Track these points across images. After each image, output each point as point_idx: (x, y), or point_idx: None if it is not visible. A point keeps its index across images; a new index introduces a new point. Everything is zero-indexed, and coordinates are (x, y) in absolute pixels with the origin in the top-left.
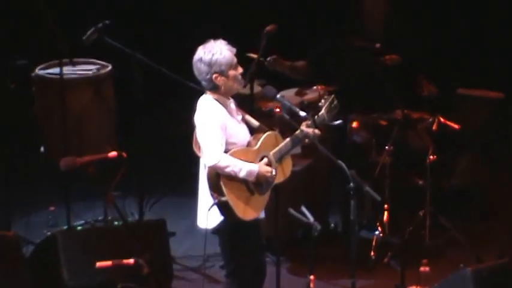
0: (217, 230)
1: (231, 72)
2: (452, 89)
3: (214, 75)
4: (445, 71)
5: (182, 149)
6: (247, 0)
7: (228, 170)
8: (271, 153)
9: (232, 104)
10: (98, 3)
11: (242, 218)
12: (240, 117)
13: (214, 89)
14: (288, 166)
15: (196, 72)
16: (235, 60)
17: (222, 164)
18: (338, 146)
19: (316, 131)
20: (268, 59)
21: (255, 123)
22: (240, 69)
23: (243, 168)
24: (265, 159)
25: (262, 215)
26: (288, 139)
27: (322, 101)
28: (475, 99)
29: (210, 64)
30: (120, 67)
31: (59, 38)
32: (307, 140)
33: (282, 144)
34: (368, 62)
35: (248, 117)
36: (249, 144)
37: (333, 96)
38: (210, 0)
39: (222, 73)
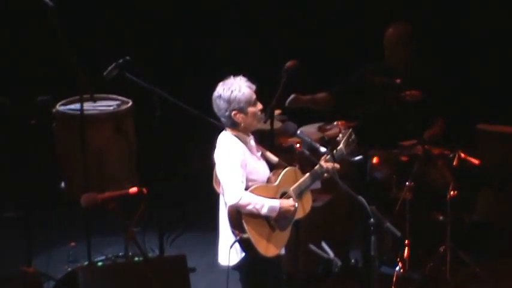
0: (238, 267)
1: (250, 109)
2: (473, 125)
3: (233, 112)
4: (465, 106)
5: (202, 184)
6: (269, 36)
7: (249, 207)
8: (291, 188)
9: (252, 141)
10: (118, 39)
11: (264, 254)
12: (259, 153)
13: (234, 125)
14: (308, 201)
15: (215, 109)
16: (254, 96)
17: (243, 202)
18: (358, 181)
19: (336, 165)
20: (288, 100)
21: (274, 159)
22: (260, 106)
23: (264, 204)
24: (286, 196)
25: (282, 251)
26: (307, 174)
27: (340, 135)
28: (495, 135)
29: (229, 101)
30: (141, 102)
31: (81, 74)
32: (326, 175)
33: (301, 180)
34: (388, 98)
35: (268, 154)
36: (268, 181)
37: (350, 130)
38: (230, 37)
39: (241, 110)
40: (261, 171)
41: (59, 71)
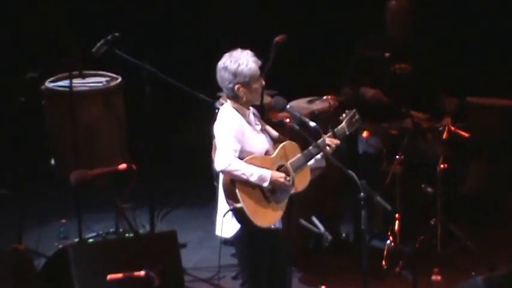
0: (234, 238)
1: (254, 85)
2: (462, 97)
3: (236, 86)
4: (455, 79)
5: (193, 160)
6: (258, 10)
7: (238, 173)
8: (289, 162)
9: (251, 114)
10: (107, 16)
11: (258, 224)
12: (259, 127)
13: (235, 98)
14: (306, 176)
15: (219, 79)
16: (259, 73)
17: (232, 168)
18: (349, 156)
19: (337, 141)
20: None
21: (274, 133)
22: (263, 82)
23: (254, 173)
24: (283, 169)
25: (279, 225)
26: (306, 150)
27: (344, 114)
28: (485, 107)
29: (234, 74)
30: (130, 79)
31: (73, 50)
32: (328, 150)
33: (300, 154)
34: (378, 71)
35: (268, 128)
36: (267, 153)
37: (354, 110)
38: (219, 11)
39: (244, 84)
40: (259, 144)
41: (48, 48)
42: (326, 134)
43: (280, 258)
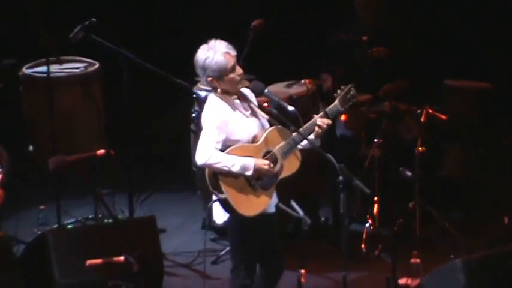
0: (225, 226)
1: (227, 77)
2: (440, 80)
3: (209, 78)
4: (433, 62)
5: (171, 145)
6: None
7: (219, 165)
8: (276, 148)
9: (236, 100)
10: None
11: (243, 214)
12: (248, 112)
13: (214, 88)
14: (295, 161)
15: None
16: (230, 64)
17: (212, 161)
18: (327, 139)
19: (328, 121)
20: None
21: (264, 117)
22: (239, 71)
23: (236, 163)
24: (270, 155)
25: (271, 209)
26: (294, 134)
27: (338, 91)
28: (463, 90)
29: (203, 68)
30: (108, 65)
31: (47, 36)
32: (319, 130)
33: (288, 139)
34: (355, 55)
35: (258, 112)
36: (254, 140)
37: (350, 86)
38: None
39: (215, 77)
40: (246, 130)
41: (24, 34)
42: (305, 117)
43: (274, 242)
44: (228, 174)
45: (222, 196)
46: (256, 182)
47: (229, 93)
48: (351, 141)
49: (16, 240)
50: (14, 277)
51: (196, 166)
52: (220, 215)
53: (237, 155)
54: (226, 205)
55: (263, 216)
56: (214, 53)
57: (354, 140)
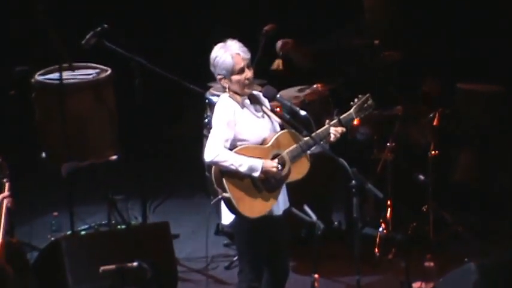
0: (231, 226)
1: (234, 77)
2: (452, 84)
3: (219, 77)
4: (445, 65)
5: (184, 151)
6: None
7: (226, 164)
8: (286, 151)
9: (246, 101)
10: (96, 8)
11: (246, 214)
12: (260, 113)
13: (224, 87)
14: (304, 165)
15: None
16: (240, 65)
17: (219, 158)
18: (339, 143)
19: (342, 129)
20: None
21: (277, 120)
22: (249, 74)
23: (243, 163)
24: (279, 158)
25: (278, 212)
26: (306, 138)
27: (356, 99)
28: (475, 93)
29: (213, 66)
30: (120, 71)
31: (59, 43)
32: (333, 138)
33: (299, 143)
34: (367, 59)
35: (271, 114)
36: (263, 142)
37: (368, 95)
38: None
39: (224, 77)
40: (255, 131)
41: (37, 41)
42: (317, 122)
43: (281, 244)
44: (235, 174)
45: (226, 195)
46: (262, 183)
47: (239, 94)
48: (363, 145)
49: (30, 247)
50: (29, 283)
51: (209, 171)
52: (227, 216)
53: (244, 155)
54: (229, 204)
55: (269, 218)
56: (225, 52)
57: (367, 143)
